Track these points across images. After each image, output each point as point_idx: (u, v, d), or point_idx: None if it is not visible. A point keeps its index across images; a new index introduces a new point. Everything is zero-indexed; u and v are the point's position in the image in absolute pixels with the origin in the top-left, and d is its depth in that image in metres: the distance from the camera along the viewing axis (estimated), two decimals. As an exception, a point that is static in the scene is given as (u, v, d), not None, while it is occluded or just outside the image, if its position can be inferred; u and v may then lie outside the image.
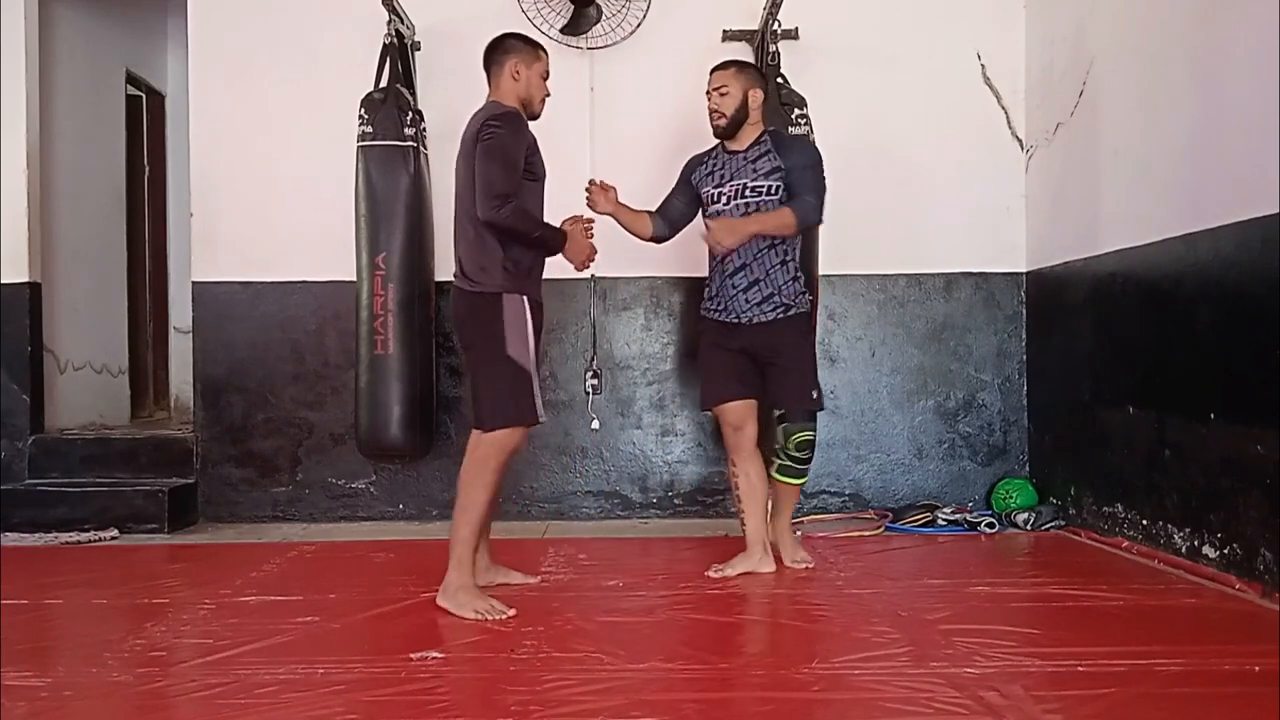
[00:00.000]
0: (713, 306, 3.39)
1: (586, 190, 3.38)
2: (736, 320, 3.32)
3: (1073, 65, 4.17)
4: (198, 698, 2.28)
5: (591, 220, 3.19)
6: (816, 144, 3.43)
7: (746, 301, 3.29)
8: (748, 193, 3.31)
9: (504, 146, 2.94)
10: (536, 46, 3.19)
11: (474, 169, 2.97)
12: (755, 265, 3.30)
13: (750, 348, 3.33)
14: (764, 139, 3.36)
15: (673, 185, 3.51)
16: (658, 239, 3.52)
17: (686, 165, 3.52)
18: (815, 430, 3.38)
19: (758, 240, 3.27)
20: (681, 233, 3.51)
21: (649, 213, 3.49)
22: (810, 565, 3.42)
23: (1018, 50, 4.61)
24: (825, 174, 3.35)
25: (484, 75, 4.50)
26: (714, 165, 3.42)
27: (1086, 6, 4.09)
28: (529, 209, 3.01)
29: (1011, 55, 4.60)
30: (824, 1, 4.50)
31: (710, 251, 3.37)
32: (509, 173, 2.94)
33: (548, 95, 3.19)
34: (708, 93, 3.37)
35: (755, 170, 3.32)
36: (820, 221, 3.39)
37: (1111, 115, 3.92)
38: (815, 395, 3.36)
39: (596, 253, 3.15)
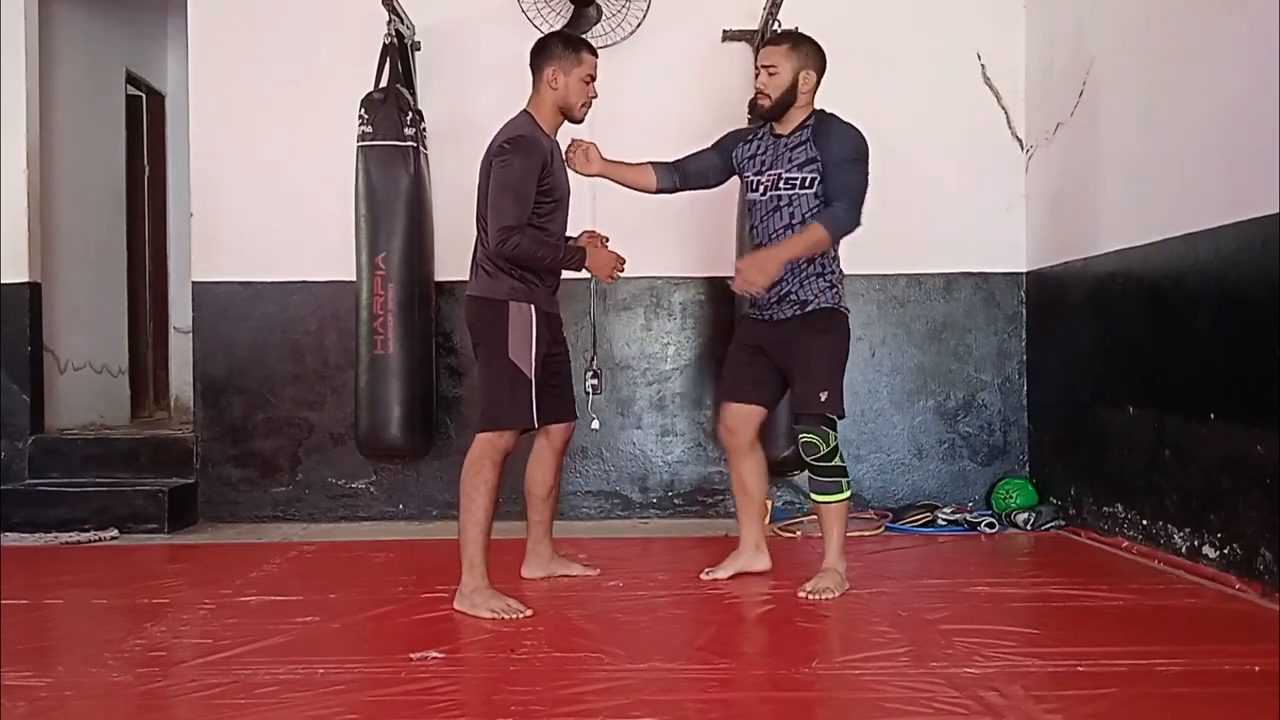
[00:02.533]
0: (746, 303, 3.29)
1: (566, 154, 3.21)
2: (762, 316, 3.22)
3: (1073, 65, 4.17)
4: (198, 698, 2.28)
5: (606, 238, 3.19)
6: (859, 131, 3.13)
7: (768, 299, 3.17)
8: (782, 184, 3.11)
9: (513, 176, 2.93)
10: (579, 48, 3.12)
11: (488, 181, 3.01)
12: None
13: (769, 347, 3.20)
14: (808, 123, 3.13)
15: (705, 147, 3.33)
16: (665, 190, 3.32)
17: (729, 136, 3.32)
18: (822, 436, 3.10)
19: (781, 235, 3.11)
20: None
21: (649, 164, 3.30)
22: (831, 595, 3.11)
23: (1018, 50, 4.60)
24: (868, 165, 3.11)
25: (485, 75, 4.55)
26: (758, 148, 3.21)
27: (1086, 6, 4.09)
28: (541, 237, 2.99)
29: (1011, 55, 4.60)
30: (824, 1, 4.48)
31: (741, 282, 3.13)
32: (518, 204, 2.93)
33: (593, 98, 3.15)
34: (758, 68, 3.15)
35: (792, 160, 3.11)
36: (856, 227, 3.10)
37: (1111, 115, 3.92)
38: (823, 398, 3.09)
39: (624, 260, 3.13)
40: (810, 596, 3.07)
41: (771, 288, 3.13)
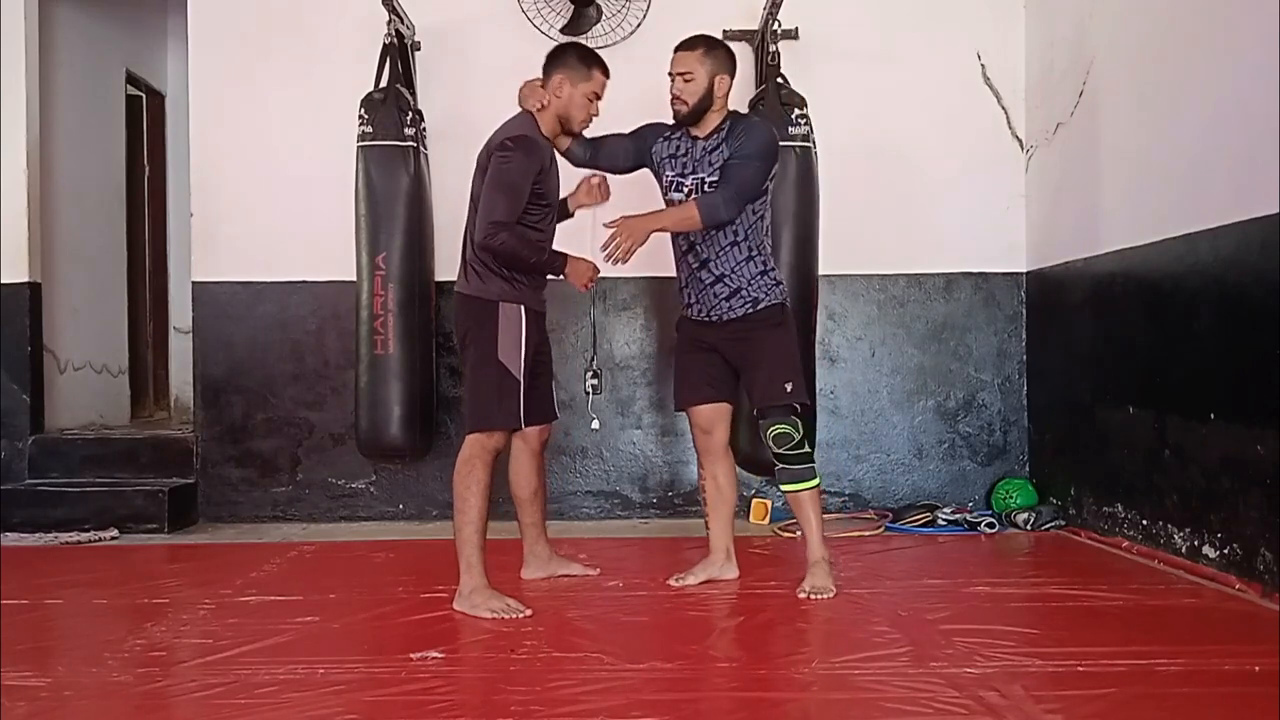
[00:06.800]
0: (687, 303, 3.29)
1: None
2: (708, 318, 3.22)
3: (1073, 65, 4.17)
4: (198, 698, 2.28)
5: (603, 180, 3.23)
6: (769, 131, 3.14)
7: (715, 296, 3.18)
8: (706, 188, 3.11)
9: (511, 174, 2.94)
10: (592, 65, 3.11)
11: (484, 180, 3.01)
12: (718, 261, 3.15)
13: (721, 346, 3.22)
14: (723, 126, 3.14)
15: (626, 131, 3.30)
16: (575, 159, 3.25)
17: (649, 126, 3.27)
18: (794, 425, 3.13)
19: (719, 237, 3.12)
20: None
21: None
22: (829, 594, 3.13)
23: (1018, 50, 4.61)
24: (767, 165, 3.09)
25: (485, 75, 4.54)
26: (678, 148, 3.20)
27: (1086, 7, 4.09)
28: (529, 237, 3.00)
29: (1011, 55, 4.60)
30: (824, 1, 4.50)
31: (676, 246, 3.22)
32: (511, 201, 2.94)
33: (593, 115, 3.15)
34: (671, 74, 3.11)
35: (711, 163, 3.11)
36: (730, 219, 3.07)
37: (1111, 115, 3.92)
38: (789, 389, 3.12)
39: (599, 272, 3.14)
40: (812, 596, 3.08)
41: (717, 283, 3.16)
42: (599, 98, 3.14)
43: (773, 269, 3.22)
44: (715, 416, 3.27)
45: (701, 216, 3.04)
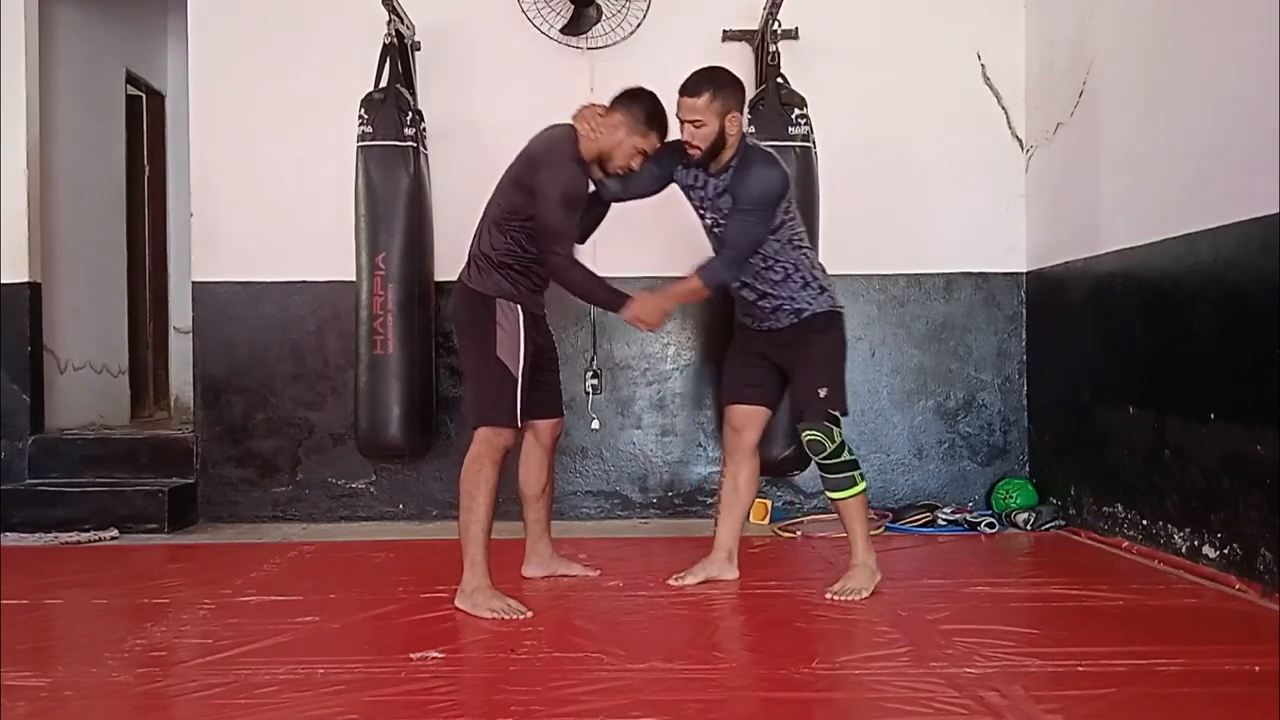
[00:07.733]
0: (739, 312, 3.33)
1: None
2: (758, 327, 3.25)
3: (1073, 65, 4.17)
4: (198, 698, 2.28)
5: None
6: (771, 176, 3.03)
7: (762, 311, 3.20)
8: (718, 230, 3.14)
9: (571, 191, 2.94)
10: (654, 126, 3.04)
11: (512, 184, 3.00)
12: (756, 284, 3.17)
13: (769, 351, 3.24)
14: (732, 163, 3.06)
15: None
16: (604, 189, 3.18)
17: (671, 152, 3.14)
18: (826, 432, 3.08)
19: (753, 263, 3.11)
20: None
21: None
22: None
23: (1018, 50, 4.61)
24: (768, 213, 3.03)
25: (485, 75, 4.55)
26: (696, 179, 3.16)
27: (1086, 6, 4.09)
28: (588, 270, 3.03)
29: (1011, 55, 4.61)
30: (824, 1, 4.50)
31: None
32: (570, 216, 2.95)
33: (632, 169, 3.09)
34: (680, 119, 3.02)
35: (719, 208, 3.11)
36: (735, 279, 3.13)
37: (1111, 115, 3.92)
38: (822, 394, 3.10)
39: (667, 315, 3.18)
40: (837, 598, 3.05)
41: (762, 299, 3.18)
42: (645, 156, 3.08)
43: (815, 280, 3.18)
44: (748, 418, 3.28)
45: (706, 286, 3.10)
